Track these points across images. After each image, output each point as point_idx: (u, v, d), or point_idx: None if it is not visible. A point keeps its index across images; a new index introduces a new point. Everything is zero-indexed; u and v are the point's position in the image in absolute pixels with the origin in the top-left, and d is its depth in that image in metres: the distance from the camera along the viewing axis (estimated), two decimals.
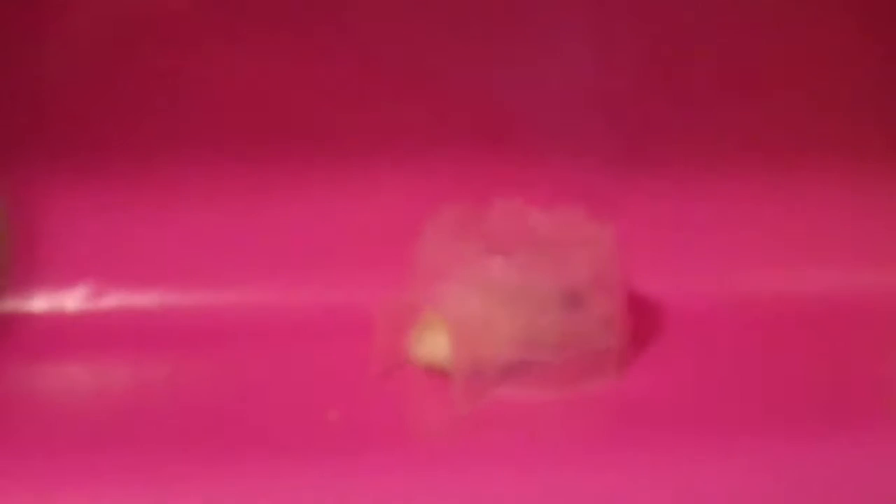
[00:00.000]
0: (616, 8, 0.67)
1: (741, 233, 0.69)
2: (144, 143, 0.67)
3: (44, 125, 0.66)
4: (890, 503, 0.51)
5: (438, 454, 0.54)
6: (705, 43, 0.67)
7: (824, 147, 0.69)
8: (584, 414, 0.58)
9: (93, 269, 0.67)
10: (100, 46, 0.66)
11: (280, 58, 0.66)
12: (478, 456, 0.53)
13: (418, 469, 0.52)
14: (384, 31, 0.66)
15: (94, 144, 0.66)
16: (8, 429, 0.55)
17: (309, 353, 0.62)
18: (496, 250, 0.59)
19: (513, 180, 0.67)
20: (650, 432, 0.55)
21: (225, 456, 0.53)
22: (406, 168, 0.67)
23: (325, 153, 0.67)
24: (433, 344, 0.59)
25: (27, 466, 0.52)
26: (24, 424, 0.56)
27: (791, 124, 0.68)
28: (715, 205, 0.69)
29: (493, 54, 0.67)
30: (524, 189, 0.64)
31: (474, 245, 0.60)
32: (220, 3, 0.66)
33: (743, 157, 0.69)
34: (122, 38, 0.66)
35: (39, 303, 0.67)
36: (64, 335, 0.65)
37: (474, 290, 0.58)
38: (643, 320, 0.64)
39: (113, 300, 0.67)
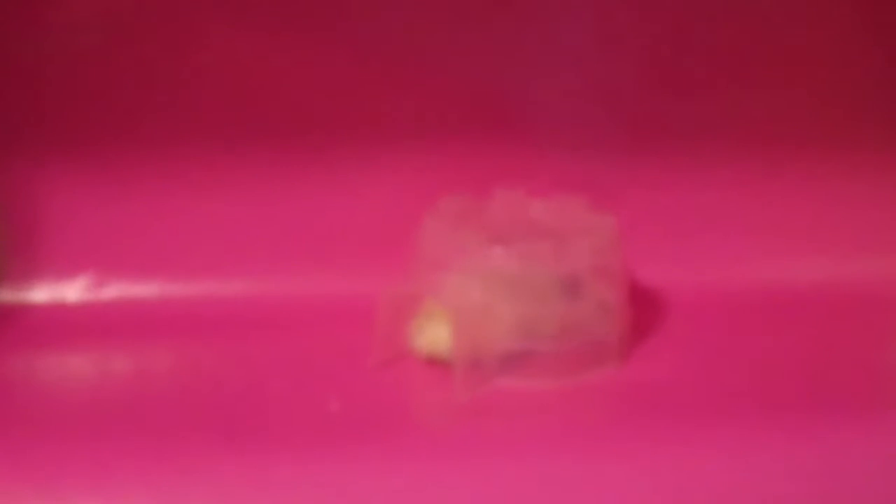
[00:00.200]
0: None
1: (742, 223, 0.69)
2: (145, 133, 0.67)
3: (44, 115, 0.66)
4: (890, 491, 0.51)
5: (439, 443, 0.54)
6: (707, 34, 0.67)
7: (824, 138, 0.68)
8: (584, 403, 0.57)
9: (93, 260, 0.67)
10: (99, 35, 0.65)
11: (280, 48, 0.66)
12: (478, 445, 0.53)
13: (419, 458, 0.52)
14: (385, 20, 0.66)
15: (94, 134, 0.66)
16: (9, 419, 0.55)
17: (310, 343, 0.62)
18: (497, 240, 0.59)
19: (514, 170, 0.67)
20: (650, 421, 0.55)
21: (225, 446, 0.53)
22: (407, 158, 0.67)
23: (325, 143, 0.67)
24: (434, 334, 0.59)
25: (28, 457, 0.52)
26: (25, 415, 0.56)
27: (792, 115, 0.68)
28: (716, 195, 0.69)
29: (494, 44, 0.67)
30: (525, 179, 0.64)
31: (475, 235, 0.60)
32: None
33: (744, 148, 0.69)
34: (121, 27, 0.65)
35: (40, 294, 0.67)
36: (64, 326, 0.65)
37: (475, 279, 0.58)
38: (644, 310, 0.64)
39: (114, 291, 0.67)
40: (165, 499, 0.50)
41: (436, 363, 0.59)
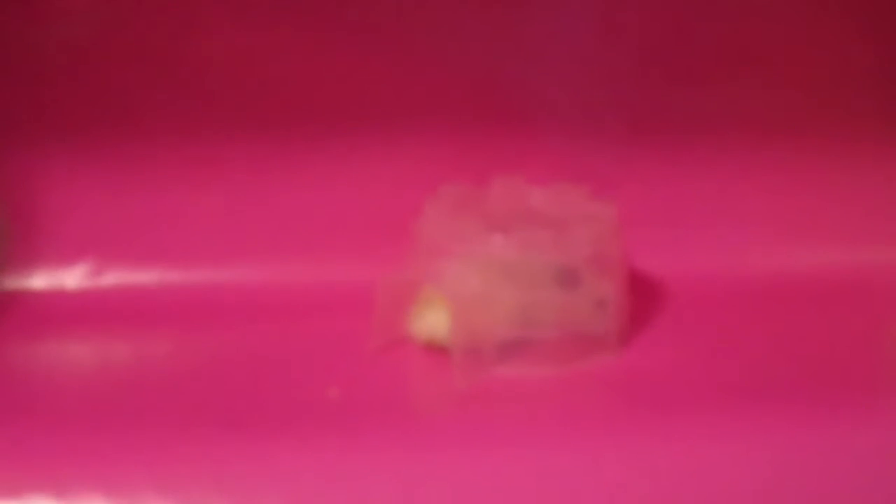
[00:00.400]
0: None
1: (741, 212, 0.69)
2: (145, 121, 0.67)
3: (44, 103, 0.66)
4: (891, 479, 0.51)
5: (437, 430, 0.54)
6: (707, 22, 0.67)
7: (824, 128, 0.68)
8: (582, 391, 0.57)
9: (93, 247, 0.67)
10: (99, 23, 0.65)
11: (279, 38, 0.66)
12: (476, 432, 0.53)
13: (417, 445, 0.52)
14: (385, 10, 0.66)
15: (94, 122, 0.66)
16: (8, 406, 0.55)
17: (309, 330, 0.62)
18: (496, 228, 0.59)
19: (514, 159, 0.67)
20: (649, 410, 0.55)
21: (224, 433, 0.53)
22: (407, 146, 0.67)
23: (324, 131, 0.67)
24: (433, 321, 0.59)
25: (27, 445, 0.52)
26: (25, 402, 0.56)
27: (791, 106, 0.68)
28: (715, 184, 0.69)
29: (495, 33, 0.67)
30: (525, 167, 0.64)
31: (475, 223, 0.60)
32: None
33: (743, 138, 0.69)
34: (120, 15, 0.65)
35: (39, 280, 0.67)
36: (64, 313, 0.65)
37: (474, 267, 0.59)
38: (643, 298, 0.64)
39: (113, 278, 0.67)
40: (165, 486, 0.50)
41: (434, 350, 0.59)
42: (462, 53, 0.67)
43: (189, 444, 0.52)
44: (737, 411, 0.54)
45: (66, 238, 0.67)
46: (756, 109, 0.68)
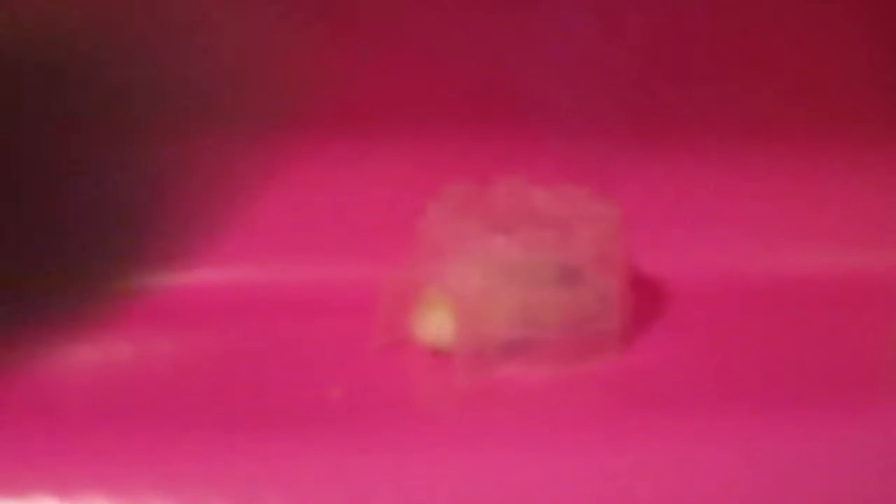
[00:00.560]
0: None
1: (744, 213, 0.69)
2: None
3: None
4: (891, 479, 0.51)
5: (440, 430, 0.54)
6: (711, 23, 0.67)
7: (829, 127, 0.68)
8: (585, 391, 0.57)
9: None
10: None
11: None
12: (479, 432, 0.53)
13: (420, 445, 0.52)
14: (388, 9, 0.66)
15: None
16: (8, 406, 0.55)
17: (311, 329, 0.62)
18: (499, 228, 0.59)
19: (517, 158, 0.67)
20: (651, 410, 0.55)
21: (227, 433, 0.53)
22: (410, 146, 0.67)
23: (328, 130, 0.67)
24: (436, 321, 0.59)
25: (29, 443, 0.52)
26: (27, 403, 0.56)
27: (795, 106, 0.68)
28: (719, 185, 0.69)
29: (497, 32, 0.67)
30: (528, 167, 0.64)
31: (478, 223, 0.60)
32: None
33: (747, 138, 0.68)
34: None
35: None
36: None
37: (477, 267, 0.58)
38: (645, 298, 0.64)
39: None
40: (167, 485, 0.50)
41: (437, 350, 0.59)
42: (465, 53, 0.67)
43: (191, 444, 0.52)
44: (739, 411, 0.54)
45: None
46: (759, 111, 0.68)
